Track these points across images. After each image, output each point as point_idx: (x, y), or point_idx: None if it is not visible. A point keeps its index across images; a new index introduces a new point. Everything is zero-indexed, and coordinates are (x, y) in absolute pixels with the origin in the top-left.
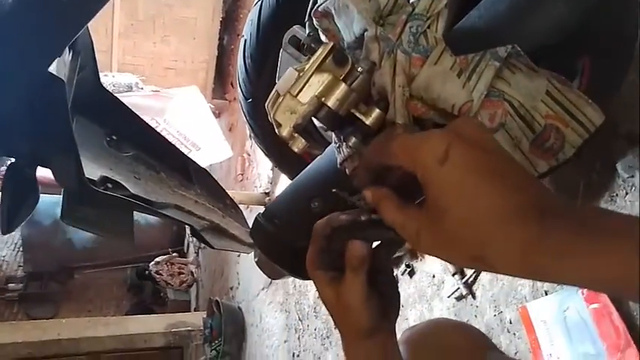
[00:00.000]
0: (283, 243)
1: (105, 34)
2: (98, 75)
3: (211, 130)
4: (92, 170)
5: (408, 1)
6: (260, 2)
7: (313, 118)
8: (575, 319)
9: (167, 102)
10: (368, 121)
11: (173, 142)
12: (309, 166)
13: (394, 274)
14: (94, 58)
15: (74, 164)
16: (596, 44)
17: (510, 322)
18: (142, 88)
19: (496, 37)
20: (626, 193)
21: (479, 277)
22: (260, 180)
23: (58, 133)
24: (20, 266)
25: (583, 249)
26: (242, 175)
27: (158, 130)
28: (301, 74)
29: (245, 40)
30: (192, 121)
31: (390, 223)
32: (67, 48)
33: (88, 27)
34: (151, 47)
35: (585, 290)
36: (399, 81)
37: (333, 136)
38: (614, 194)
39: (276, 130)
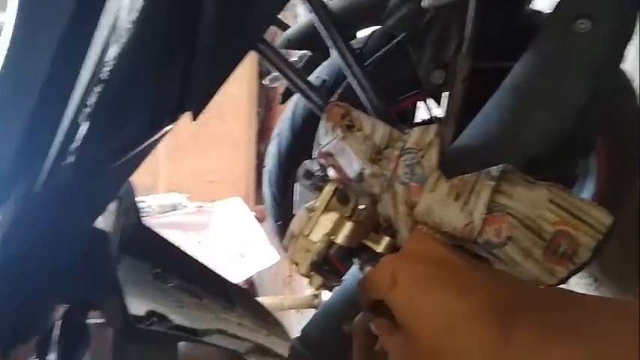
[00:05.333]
0: None
1: (152, 158)
2: (140, 216)
3: (256, 238)
4: (140, 306)
5: (403, 134)
6: (278, 137)
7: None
8: None
9: (210, 216)
10: (379, 249)
11: (218, 255)
12: (338, 287)
13: None
14: (135, 201)
15: (120, 306)
16: (598, 140)
17: None
18: (185, 206)
19: (489, 153)
20: None
21: None
22: None
23: (104, 280)
24: None
25: (549, 349)
26: (290, 277)
27: (202, 244)
28: (311, 215)
29: (269, 171)
30: (237, 231)
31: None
32: None
33: None
34: (193, 164)
35: None
36: (401, 210)
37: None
38: None
39: (296, 270)
